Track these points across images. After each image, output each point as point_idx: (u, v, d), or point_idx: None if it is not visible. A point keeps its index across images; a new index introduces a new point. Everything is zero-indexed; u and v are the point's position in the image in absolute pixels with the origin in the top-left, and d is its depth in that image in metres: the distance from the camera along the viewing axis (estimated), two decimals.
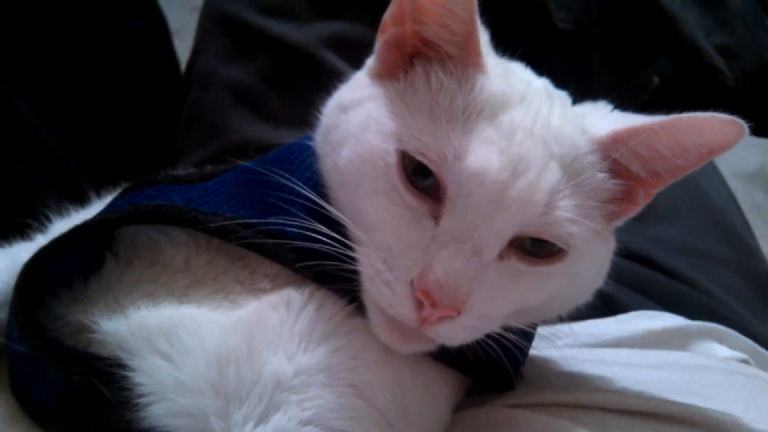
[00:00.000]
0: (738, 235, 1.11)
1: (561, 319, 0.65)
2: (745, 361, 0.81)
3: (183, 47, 1.29)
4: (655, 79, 1.22)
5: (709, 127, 0.52)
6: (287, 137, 0.68)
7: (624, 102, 1.22)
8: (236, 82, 1.01)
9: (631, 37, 1.22)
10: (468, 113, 0.53)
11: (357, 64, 0.62)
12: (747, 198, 2.66)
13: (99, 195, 0.69)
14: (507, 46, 1.16)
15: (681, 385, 0.61)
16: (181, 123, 1.06)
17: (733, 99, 1.31)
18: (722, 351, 0.81)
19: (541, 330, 0.72)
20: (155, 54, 1.31)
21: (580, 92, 1.20)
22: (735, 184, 2.66)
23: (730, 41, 1.29)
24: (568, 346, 0.76)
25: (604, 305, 0.89)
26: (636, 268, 1.01)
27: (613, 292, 0.92)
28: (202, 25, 1.10)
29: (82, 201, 0.70)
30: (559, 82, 1.18)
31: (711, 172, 1.24)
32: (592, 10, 1.19)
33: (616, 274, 0.97)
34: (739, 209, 1.22)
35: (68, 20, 1.16)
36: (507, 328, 0.55)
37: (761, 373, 0.74)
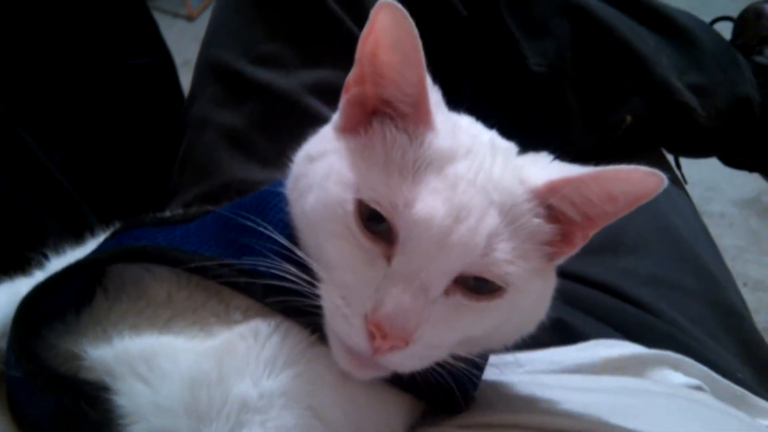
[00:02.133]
0: (705, 267, 1.16)
1: (519, 347, 0.71)
2: (699, 388, 0.86)
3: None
4: (628, 118, 1.27)
5: (632, 177, 0.57)
6: (273, 177, 0.74)
7: (598, 140, 1.28)
8: (227, 125, 1.07)
9: (605, 79, 1.27)
10: (417, 166, 0.59)
11: (338, 107, 0.68)
12: (743, 224, 2.71)
13: (93, 233, 0.76)
14: (484, 90, 1.23)
15: (620, 408, 0.66)
16: (177, 163, 1.13)
17: (708, 135, 1.36)
18: (677, 378, 0.86)
19: (504, 357, 0.78)
20: (162, 91, 1.36)
21: (558, 131, 1.26)
22: (731, 211, 2.73)
23: (703, 80, 1.33)
24: (528, 372, 0.82)
25: (568, 334, 0.95)
26: (603, 298, 1.06)
27: (578, 322, 0.98)
28: (198, 72, 1.17)
29: (92, 233, 0.76)
30: (537, 122, 1.25)
31: (683, 207, 1.29)
32: (566, 56, 1.24)
33: (582, 305, 1.03)
34: (710, 243, 1.26)
35: (76, 57, 1.21)
36: (456, 357, 0.61)
37: (707, 399, 0.79)
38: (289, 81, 1.08)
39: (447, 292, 0.58)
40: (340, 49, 1.08)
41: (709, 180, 2.71)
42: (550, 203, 0.60)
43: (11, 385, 0.61)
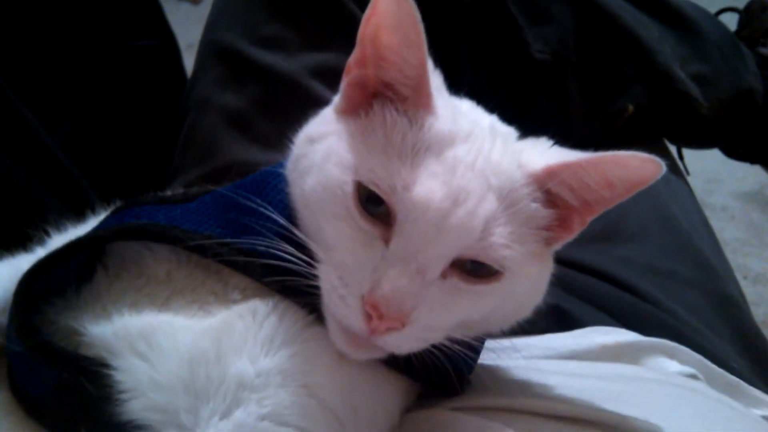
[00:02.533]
0: (703, 257, 1.16)
1: (516, 332, 0.71)
2: (693, 376, 0.86)
3: None
4: (630, 107, 1.27)
5: (630, 164, 0.58)
6: (274, 159, 0.75)
7: (599, 128, 1.28)
8: (230, 107, 1.08)
9: (607, 67, 1.27)
10: (417, 149, 0.59)
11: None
12: (744, 217, 2.71)
13: (94, 211, 0.76)
14: (485, 75, 1.23)
15: (614, 395, 0.67)
16: (179, 144, 1.13)
17: (710, 125, 1.36)
18: (672, 366, 0.87)
19: (501, 342, 0.78)
20: (165, 73, 1.36)
21: (559, 119, 1.27)
22: (733, 204, 2.73)
23: (706, 70, 1.33)
24: (524, 357, 0.83)
25: (565, 321, 0.96)
26: (601, 286, 1.06)
27: (575, 309, 0.99)
28: (200, 54, 1.17)
29: (93, 211, 0.76)
30: (538, 109, 1.25)
31: (683, 197, 1.30)
32: (569, 42, 1.24)
33: (580, 292, 1.04)
34: (709, 233, 1.27)
35: (80, 38, 1.21)
36: (453, 340, 0.61)
37: (701, 387, 0.80)
38: (292, 63, 1.08)
39: (444, 275, 0.58)
40: (343, 31, 1.08)
41: (711, 172, 2.72)
42: (549, 188, 0.60)
43: (12, 360, 0.62)
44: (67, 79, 1.21)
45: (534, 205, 0.60)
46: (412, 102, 0.61)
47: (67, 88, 1.21)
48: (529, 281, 0.62)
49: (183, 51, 1.42)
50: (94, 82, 1.24)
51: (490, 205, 0.58)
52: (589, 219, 0.63)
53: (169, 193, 0.72)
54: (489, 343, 0.71)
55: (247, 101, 1.08)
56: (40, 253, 0.69)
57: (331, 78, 1.04)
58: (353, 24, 1.06)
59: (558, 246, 0.64)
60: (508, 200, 0.59)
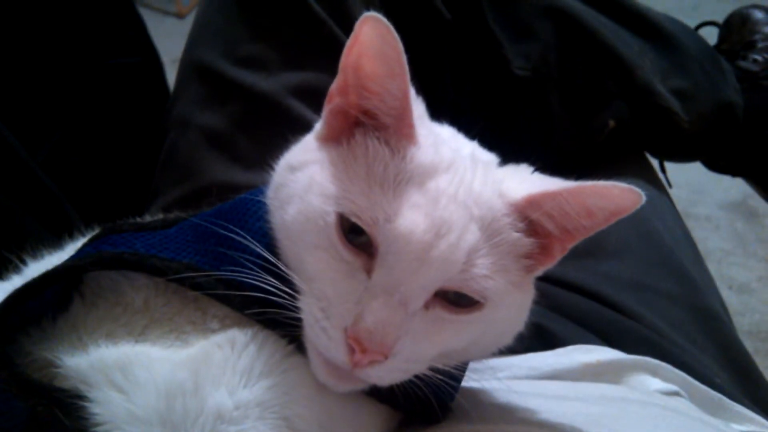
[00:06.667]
0: (685, 272, 1.17)
1: (498, 352, 0.71)
2: (676, 394, 0.87)
3: None
4: (611, 123, 1.28)
5: (610, 193, 0.58)
6: (254, 180, 0.74)
7: (581, 144, 1.29)
8: (209, 127, 1.07)
9: (588, 82, 1.28)
10: (399, 180, 0.59)
11: (320, 111, 0.67)
12: (729, 227, 2.74)
13: (72, 235, 0.75)
14: (467, 93, 1.23)
15: (595, 418, 0.67)
16: (159, 164, 1.13)
17: (691, 139, 1.37)
18: (655, 383, 0.87)
19: (482, 363, 0.78)
20: (148, 90, 1.35)
21: (541, 135, 1.27)
22: (718, 214, 2.75)
23: (686, 84, 1.34)
24: (507, 378, 0.83)
25: (547, 339, 0.96)
26: (583, 302, 1.07)
27: (558, 327, 0.99)
28: (181, 72, 1.17)
29: (71, 234, 0.76)
30: (520, 126, 1.26)
31: (665, 212, 1.30)
32: (550, 59, 1.25)
33: (562, 309, 1.04)
34: (691, 247, 1.27)
35: (60, 55, 1.20)
36: (435, 370, 0.61)
37: (682, 407, 0.80)
38: (272, 83, 1.08)
39: (426, 306, 0.58)
40: (323, 51, 1.08)
41: (695, 183, 2.74)
42: (530, 217, 0.60)
43: None
44: (47, 97, 1.21)
45: (515, 235, 0.61)
46: (395, 131, 0.61)
47: (47, 105, 1.21)
48: (511, 310, 0.62)
49: (168, 65, 1.42)
50: (74, 99, 1.23)
51: (472, 236, 0.58)
52: (570, 246, 0.63)
53: (147, 218, 0.71)
54: (471, 364, 0.71)
55: (227, 120, 1.07)
56: (16, 281, 0.69)
57: (312, 97, 1.04)
58: (334, 43, 1.07)
59: (538, 273, 0.65)
60: (489, 230, 0.59)
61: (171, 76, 1.40)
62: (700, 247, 1.36)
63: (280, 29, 1.11)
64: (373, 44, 0.57)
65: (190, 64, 1.14)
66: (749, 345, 1.65)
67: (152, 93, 1.37)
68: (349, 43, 0.59)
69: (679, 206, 1.41)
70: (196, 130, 1.08)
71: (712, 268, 1.34)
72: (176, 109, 1.13)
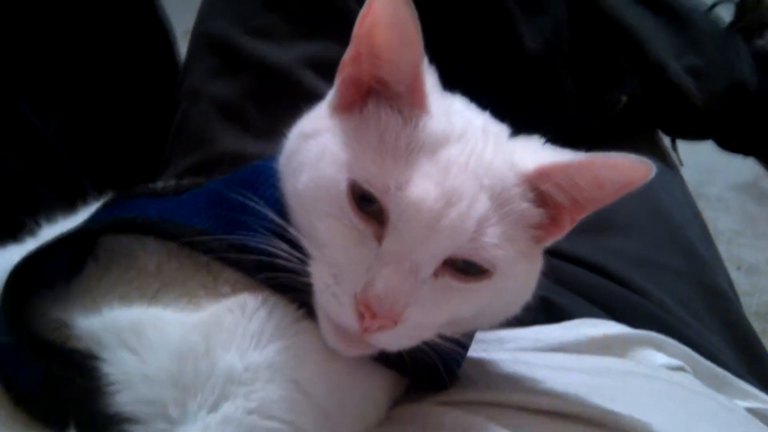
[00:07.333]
0: (693, 249, 1.17)
1: (505, 324, 0.72)
2: (681, 369, 0.87)
3: None
4: (623, 99, 1.27)
5: (621, 165, 0.58)
6: (266, 150, 0.75)
7: (593, 120, 1.28)
8: (221, 97, 1.07)
9: (600, 58, 1.27)
10: (411, 149, 0.59)
11: (332, 82, 0.67)
12: (739, 208, 2.73)
13: (86, 202, 0.76)
14: (479, 68, 1.23)
15: (600, 389, 0.68)
16: (170, 134, 1.13)
17: (704, 117, 1.36)
18: (660, 358, 0.87)
19: (489, 334, 0.79)
20: (158, 61, 1.35)
21: (552, 110, 1.27)
22: (727, 194, 2.74)
23: (700, 62, 1.33)
24: (512, 349, 0.84)
25: (554, 312, 0.97)
26: (591, 277, 1.07)
27: (564, 301, 1.00)
28: (192, 44, 1.17)
29: (85, 202, 0.76)
30: (532, 102, 1.25)
31: (675, 189, 1.30)
32: (562, 34, 1.24)
33: (570, 283, 1.04)
34: (700, 225, 1.27)
35: (71, 27, 1.20)
36: (443, 337, 0.62)
37: (686, 381, 0.81)
38: (284, 53, 1.08)
39: (436, 274, 0.59)
40: (336, 22, 1.08)
41: (706, 163, 2.72)
42: (540, 188, 0.61)
43: (1, 352, 0.62)
44: (59, 68, 1.20)
45: (525, 205, 0.61)
46: (407, 100, 0.61)
47: (59, 76, 1.21)
48: (519, 279, 0.63)
49: (179, 38, 1.41)
50: (86, 70, 1.23)
51: (482, 205, 0.58)
52: (579, 218, 0.63)
53: (160, 185, 0.72)
54: (477, 335, 0.72)
55: (239, 91, 1.07)
56: (30, 244, 0.69)
57: (324, 68, 1.04)
58: (346, 14, 1.07)
59: (548, 244, 0.65)
60: (499, 200, 0.59)
61: (183, 48, 1.41)
62: (710, 227, 1.35)
63: (292, 0, 1.10)
64: (386, 12, 0.57)
65: (201, 36, 1.14)
66: (758, 326, 1.64)
67: (162, 64, 1.36)
68: (362, 11, 0.59)
69: (690, 186, 1.40)
70: (208, 101, 1.08)
71: (721, 248, 1.34)
72: (188, 80, 1.13)
